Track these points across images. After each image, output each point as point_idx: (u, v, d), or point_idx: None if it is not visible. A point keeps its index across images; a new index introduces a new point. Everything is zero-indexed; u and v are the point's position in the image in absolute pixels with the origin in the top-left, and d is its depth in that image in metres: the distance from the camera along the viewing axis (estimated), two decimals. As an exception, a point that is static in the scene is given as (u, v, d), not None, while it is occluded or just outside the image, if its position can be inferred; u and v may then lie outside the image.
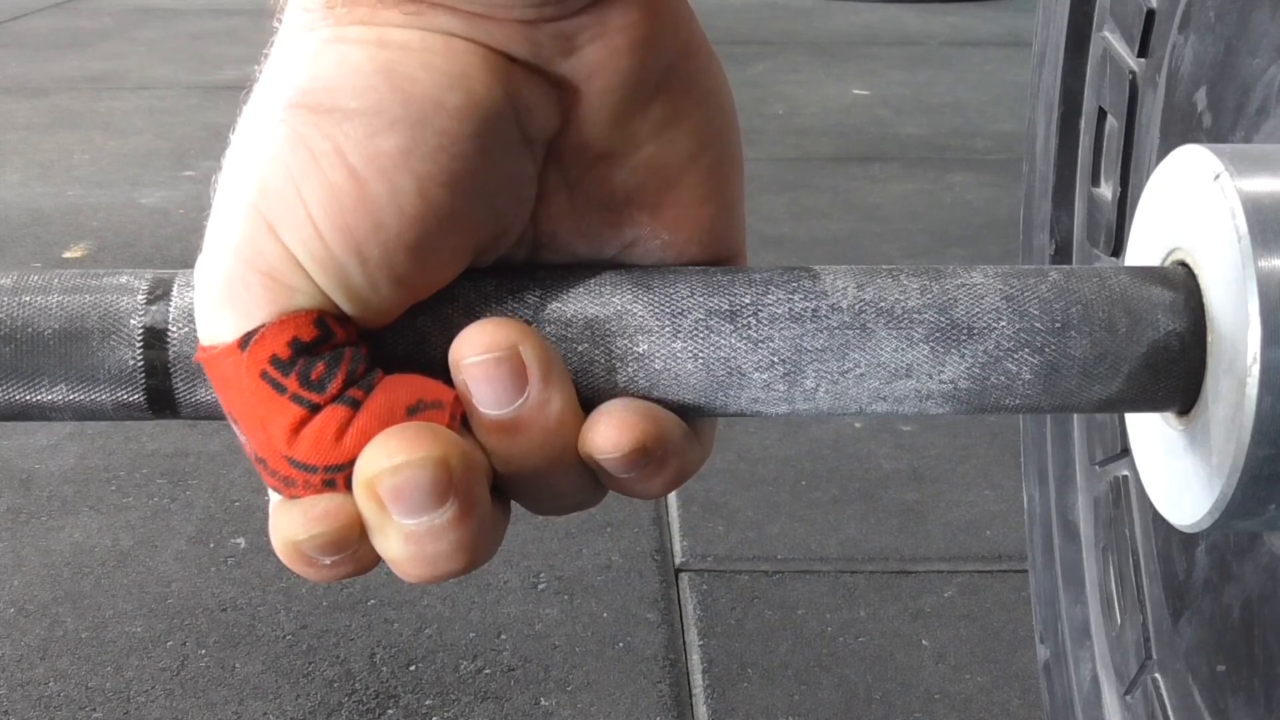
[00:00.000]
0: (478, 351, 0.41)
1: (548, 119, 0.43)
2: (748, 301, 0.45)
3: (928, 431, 1.95)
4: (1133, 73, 0.77)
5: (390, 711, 1.36)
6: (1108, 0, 0.83)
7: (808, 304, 0.45)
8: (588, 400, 0.45)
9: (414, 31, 0.40)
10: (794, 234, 2.75)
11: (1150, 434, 0.51)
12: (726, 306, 0.44)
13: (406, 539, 0.41)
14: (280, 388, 0.40)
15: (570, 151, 0.44)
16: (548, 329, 0.44)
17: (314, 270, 0.40)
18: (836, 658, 1.45)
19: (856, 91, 3.99)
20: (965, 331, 0.45)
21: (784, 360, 0.44)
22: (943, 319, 0.45)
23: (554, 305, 0.44)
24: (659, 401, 0.45)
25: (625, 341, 0.44)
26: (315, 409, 0.40)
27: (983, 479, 1.82)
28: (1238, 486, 0.44)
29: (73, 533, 1.68)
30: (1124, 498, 0.81)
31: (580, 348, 0.44)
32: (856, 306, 0.45)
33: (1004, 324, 0.45)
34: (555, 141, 0.43)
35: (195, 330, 0.42)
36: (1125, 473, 0.81)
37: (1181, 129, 0.68)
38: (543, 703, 1.37)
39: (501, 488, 0.43)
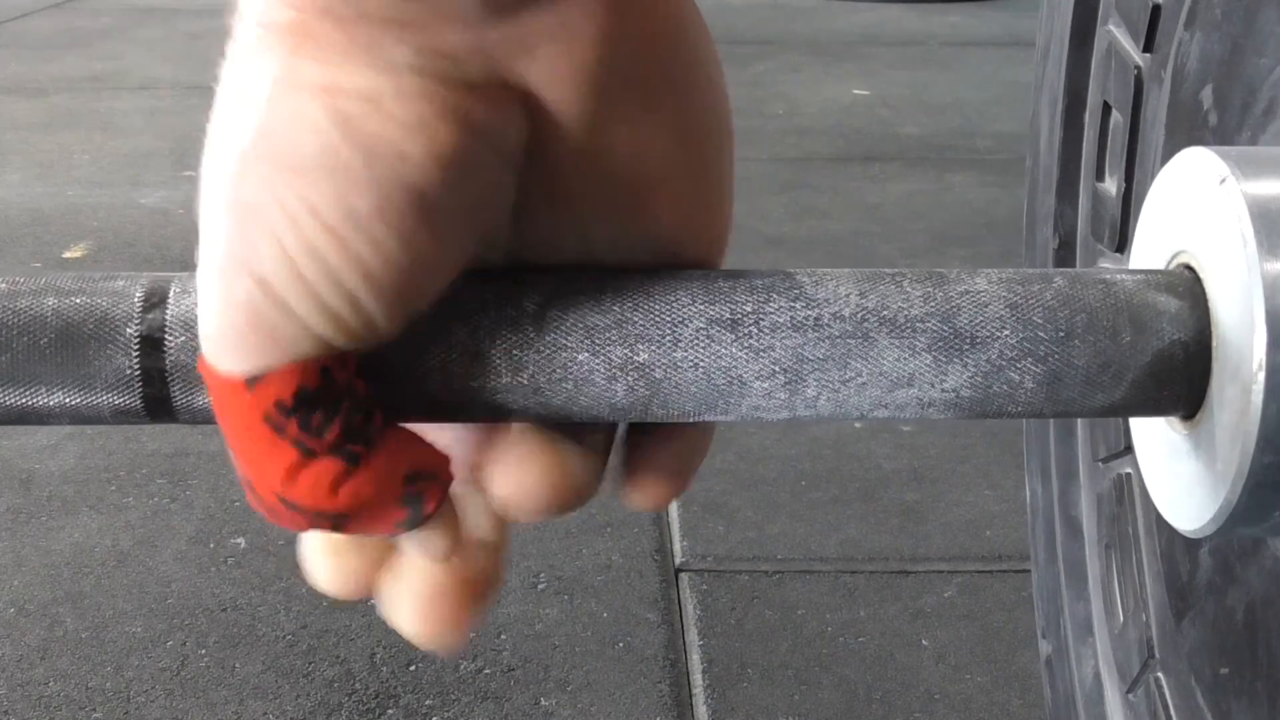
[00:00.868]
0: None
1: (518, 130, 0.42)
2: (749, 310, 0.44)
3: (928, 432, 1.95)
4: (1138, 68, 0.77)
5: (390, 711, 1.36)
6: None
7: (810, 312, 0.44)
8: (587, 411, 0.44)
9: (365, 74, 0.39)
10: (794, 234, 2.75)
11: (1154, 438, 0.50)
12: (728, 315, 0.44)
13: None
14: (282, 430, 0.40)
15: (546, 153, 0.43)
16: (546, 337, 0.44)
17: (312, 321, 0.39)
18: (836, 658, 1.44)
19: (857, 91, 3.99)
20: (968, 340, 0.44)
21: (785, 369, 0.44)
22: (945, 328, 0.44)
23: (553, 313, 0.44)
24: (659, 410, 0.45)
25: (625, 350, 0.44)
26: (313, 454, 0.41)
27: (983, 479, 1.82)
28: (1242, 493, 0.44)
29: (73, 533, 1.68)
30: (1127, 495, 0.81)
31: (580, 356, 0.44)
32: (859, 315, 0.44)
33: (1007, 333, 0.44)
34: (530, 146, 0.43)
35: (192, 338, 0.42)
36: (1129, 470, 0.81)
37: (1187, 126, 0.68)
38: (543, 703, 1.37)
39: None
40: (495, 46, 0.40)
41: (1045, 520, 1.00)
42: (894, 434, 1.94)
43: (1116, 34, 0.81)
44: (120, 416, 0.44)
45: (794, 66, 4.28)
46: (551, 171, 0.43)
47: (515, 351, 0.44)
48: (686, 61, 0.44)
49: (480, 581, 0.47)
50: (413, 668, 1.42)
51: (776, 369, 0.44)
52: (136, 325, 0.43)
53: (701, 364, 0.44)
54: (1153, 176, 0.52)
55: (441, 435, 0.46)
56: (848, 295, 0.45)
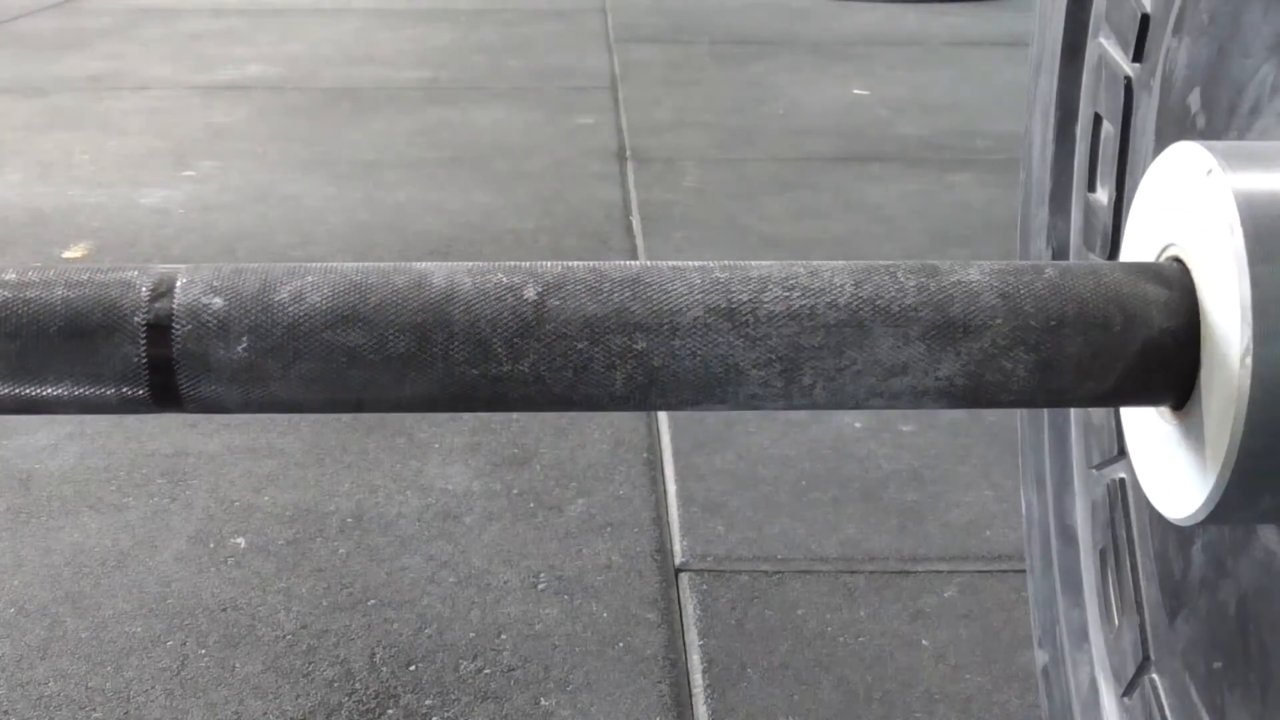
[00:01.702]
0: None
1: None
2: (745, 299, 0.45)
3: (928, 432, 1.95)
4: (1128, 78, 0.77)
5: (390, 711, 1.36)
6: (1103, 7, 0.83)
7: (805, 302, 0.45)
8: (587, 398, 0.45)
9: None
10: (794, 234, 2.75)
11: (1145, 430, 0.51)
12: (725, 304, 0.44)
13: None
14: None
15: None
16: (547, 325, 0.44)
17: None
18: (836, 658, 1.45)
19: (857, 91, 3.99)
20: (961, 330, 0.45)
21: (782, 358, 0.45)
22: (939, 317, 0.45)
23: (553, 302, 0.44)
24: (658, 398, 0.45)
25: (624, 339, 0.44)
26: None
27: (982, 479, 1.82)
28: (1231, 478, 0.44)
29: (72, 533, 1.68)
30: (1121, 500, 0.81)
31: (579, 345, 0.44)
32: (854, 305, 0.45)
33: (1000, 322, 0.45)
34: None
35: (198, 328, 0.42)
36: (1122, 475, 0.81)
37: (1176, 131, 0.68)
38: (542, 702, 1.37)
39: None
40: None
41: (1041, 530, 1.00)
42: (894, 434, 1.94)
43: (1107, 46, 0.81)
44: (127, 405, 0.45)
45: (794, 67, 4.28)
46: None
47: (516, 340, 0.44)
48: None
49: None
50: (412, 668, 1.42)
51: (773, 357, 0.44)
52: (144, 314, 0.43)
53: (699, 352, 0.44)
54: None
55: None
56: (843, 285, 0.45)
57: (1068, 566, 0.94)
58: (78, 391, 0.44)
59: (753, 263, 0.47)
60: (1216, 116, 0.62)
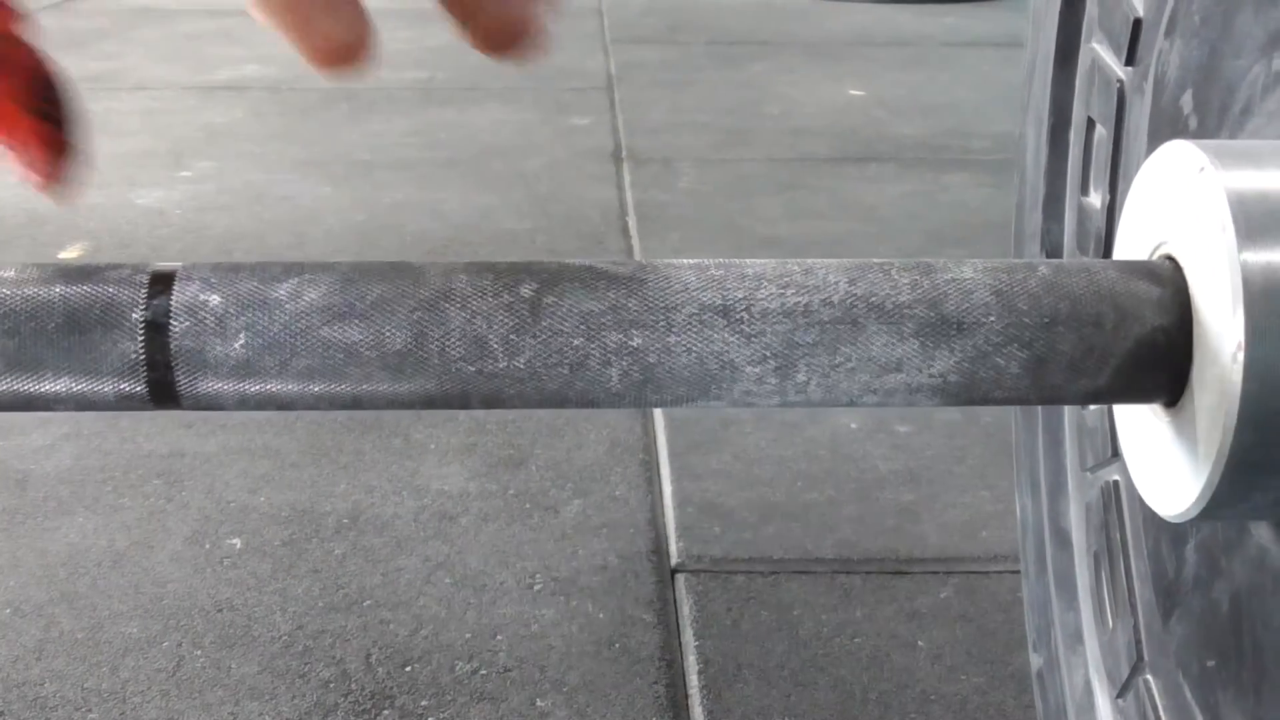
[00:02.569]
0: None
1: None
2: (741, 296, 0.45)
3: (924, 432, 1.95)
4: (1120, 81, 0.78)
5: (386, 713, 1.36)
6: (1096, 11, 0.84)
7: (800, 299, 0.45)
8: (582, 395, 0.45)
9: None
10: (790, 234, 2.75)
11: (1138, 428, 0.51)
12: (720, 301, 0.45)
13: None
14: None
15: None
16: (543, 322, 0.44)
17: None
18: (832, 658, 1.45)
19: (853, 92, 4.00)
20: (955, 326, 0.45)
21: (776, 355, 0.45)
22: (932, 314, 0.45)
23: (549, 299, 0.45)
24: (654, 395, 0.45)
25: (619, 335, 0.45)
26: None
27: (979, 480, 1.82)
28: (1224, 474, 0.45)
29: (68, 533, 1.68)
30: (1115, 501, 0.81)
31: (575, 341, 0.45)
32: (848, 302, 0.45)
33: (993, 319, 0.45)
34: None
35: (196, 324, 0.43)
36: (1116, 477, 0.82)
37: (1169, 133, 0.68)
38: (539, 703, 1.37)
39: None
40: None
41: (1035, 534, 1.00)
42: (890, 435, 1.94)
43: (1099, 50, 0.82)
44: (125, 402, 0.45)
45: (790, 67, 4.29)
46: None
47: (512, 336, 0.44)
48: None
49: None
50: (409, 668, 1.42)
51: (768, 354, 0.45)
52: (142, 311, 0.44)
53: (694, 349, 0.45)
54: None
55: None
56: (837, 283, 0.45)
57: (1062, 569, 0.94)
58: (75, 388, 0.44)
59: (748, 260, 0.47)
60: (1209, 117, 0.63)
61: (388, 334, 0.43)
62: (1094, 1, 0.84)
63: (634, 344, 0.45)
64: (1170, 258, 0.48)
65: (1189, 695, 0.67)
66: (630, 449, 1.89)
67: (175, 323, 0.44)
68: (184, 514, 1.72)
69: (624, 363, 0.45)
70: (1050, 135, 0.94)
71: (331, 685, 1.40)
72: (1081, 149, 0.87)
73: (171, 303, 0.44)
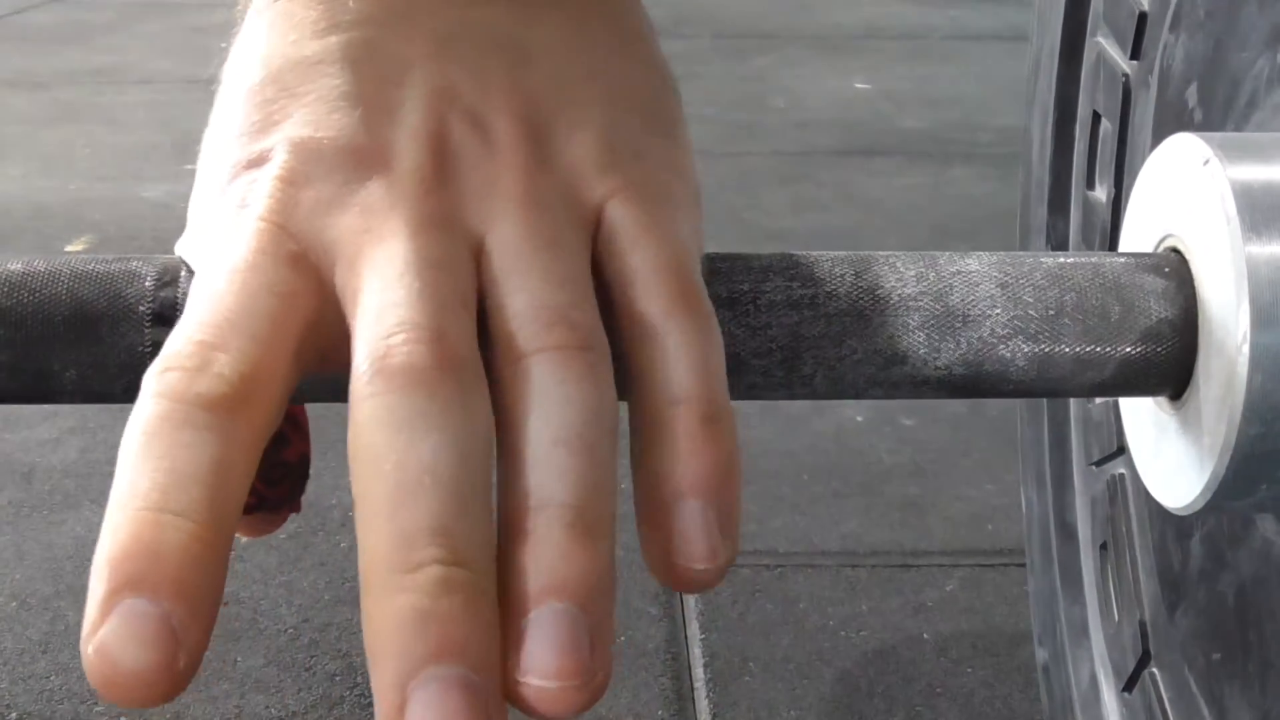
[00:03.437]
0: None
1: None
2: (746, 289, 0.45)
3: (929, 425, 1.95)
4: (1125, 75, 0.78)
5: (392, 705, 1.36)
6: (1100, 6, 0.84)
7: (806, 291, 0.45)
8: None
9: None
10: (796, 227, 2.75)
11: (1144, 421, 0.51)
12: (725, 294, 0.45)
13: None
14: None
15: None
16: None
17: None
18: (838, 651, 1.45)
19: (858, 85, 3.99)
20: (960, 319, 0.45)
21: (782, 347, 0.45)
22: (938, 306, 0.45)
23: None
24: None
25: None
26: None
27: (984, 473, 1.82)
28: (1229, 465, 0.45)
29: (75, 526, 1.68)
30: (1120, 495, 0.81)
31: None
32: (854, 294, 0.45)
33: (998, 311, 0.45)
34: None
35: None
36: (1121, 470, 0.82)
37: (1174, 126, 0.68)
38: (544, 696, 1.37)
39: None
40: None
41: (1040, 528, 1.00)
42: (895, 428, 1.94)
43: (1104, 44, 0.82)
44: (132, 395, 0.45)
45: (795, 60, 4.28)
46: None
47: None
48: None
49: None
50: (414, 661, 1.42)
51: (773, 346, 0.45)
52: (149, 303, 0.44)
53: None
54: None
55: None
56: (843, 275, 0.46)
57: (1067, 563, 0.94)
58: (81, 381, 0.45)
59: (754, 253, 0.47)
60: (1213, 110, 0.63)
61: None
62: (1099, -4, 0.84)
63: None
64: (1176, 250, 0.48)
65: (1195, 688, 0.67)
66: (635, 442, 1.89)
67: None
68: (190, 507, 1.73)
69: None
70: (1055, 129, 0.94)
71: (338, 678, 1.40)
72: (1087, 143, 0.87)
73: (179, 295, 0.45)
